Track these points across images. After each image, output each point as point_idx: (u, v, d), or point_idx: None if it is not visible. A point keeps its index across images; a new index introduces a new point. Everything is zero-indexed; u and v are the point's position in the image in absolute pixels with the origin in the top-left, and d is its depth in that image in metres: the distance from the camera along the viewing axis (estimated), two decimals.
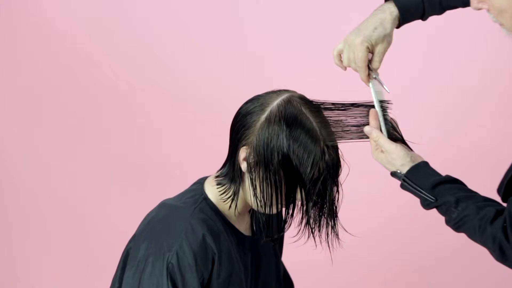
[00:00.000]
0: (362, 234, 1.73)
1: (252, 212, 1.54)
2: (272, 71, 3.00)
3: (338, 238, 1.47)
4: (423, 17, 1.61)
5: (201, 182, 1.54)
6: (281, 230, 1.47)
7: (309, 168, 1.39)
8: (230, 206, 1.48)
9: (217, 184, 1.48)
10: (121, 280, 1.46)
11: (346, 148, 1.48)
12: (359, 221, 1.60)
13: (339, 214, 1.48)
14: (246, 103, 1.46)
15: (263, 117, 1.41)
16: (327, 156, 1.40)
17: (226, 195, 1.47)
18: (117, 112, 3.15)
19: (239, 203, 1.49)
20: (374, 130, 1.48)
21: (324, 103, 1.47)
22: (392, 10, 1.55)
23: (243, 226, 1.55)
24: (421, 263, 2.95)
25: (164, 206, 1.49)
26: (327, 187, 1.42)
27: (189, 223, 1.42)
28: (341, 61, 1.55)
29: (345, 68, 1.56)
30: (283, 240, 1.71)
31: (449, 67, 2.82)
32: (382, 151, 1.48)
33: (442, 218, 2.88)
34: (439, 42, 2.61)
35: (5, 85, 3.16)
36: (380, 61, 1.53)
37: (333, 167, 1.42)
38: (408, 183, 1.45)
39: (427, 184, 1.43)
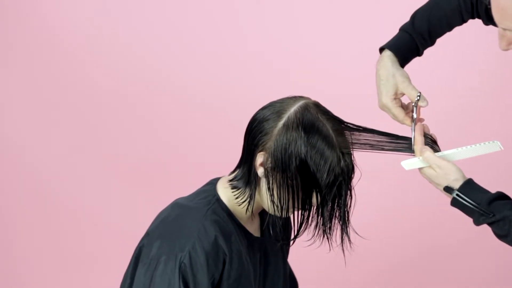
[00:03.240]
0: (366, 236, 1.77)
1: (269, 216, 1.56)
2: (280, 74, 3.03)
3: (350, 241, 1.49)
4: (419, 53, 1.68)
5: (213, 183, 1.56)
6: (297, 234, 1.49)
7: (325, 174, 1.41)
8: (247, 210, 1.50)
9: (232, 188, 1.50)
10: (132, 276, 1.48)
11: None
12: (362, 223, 1.64)
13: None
14: (262, 109, 1.47)
15: (280, 123, 1.43)
16: (342, 163, 1.43)
17: (242, 199, 1.49)
18: (121, 113, 3.16)
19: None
20: (426, 152, 1.50)
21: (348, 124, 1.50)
22: (388, 54, 1.62)
23: (253, 228, 1.58)
24: (423, 262, 2.99)
25: (177, 206, 1.51)
26: (341, 192, 1.45)
27: (202, 224, 1.45)
28: (404, 118, 1.59)
29: (409, 122, 1.58)
30: (290, 241, 1.72)
31: (448, 70, 2.84)
32: (431, 167, 1.49)
33: (443, 218, 2.90)
34: (437, 44, 2.62)
35: (10, 85, 3.17)
36: (413, 88, 1.57)
37: (348, 173, 1.44)
38: (462, 198, 1.45)
39: (484, 199, 1.44)
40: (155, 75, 3.13)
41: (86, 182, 3.17)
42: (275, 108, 1.45)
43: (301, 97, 1.47)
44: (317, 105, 1.46)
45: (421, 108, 1.57)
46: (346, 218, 1.48)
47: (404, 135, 1.55)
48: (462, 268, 2.96)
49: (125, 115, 3.16)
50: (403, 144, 1.54)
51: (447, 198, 1.52)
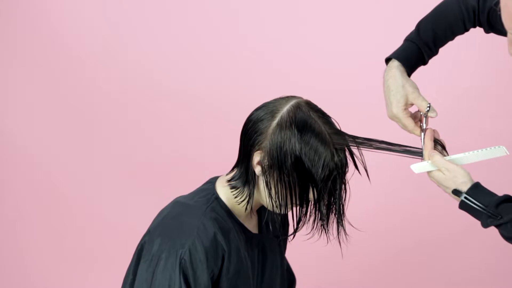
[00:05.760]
0: (363, 229, 1.79)
1: (267, 213, 1.61)
2: (279, 74, 3.05)
3: (346, 232, 1.53)
4: (425, 62, 1.70)
5: (212, 181, 1.60)
6: (296, 228, 1.53)
7: (320, 169, 1.45)
8: (246, 208, 1.54)
9: (231, 188, 1.54)
10: (135, 272, 1.52)
11: None
12: (356, 219, 1.67)
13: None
14: (256, 110, 1.51)
15: (274, 122, 1.47)
16: (336, 158, 1.47)
17: (241, 198, 1.54)
18: (123, 113, 3.18)
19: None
20: (435, 156, 1.53)
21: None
22: (396, 65, 1.64)
23: (251, 224, 1.62)
24: (417, 257, 3.01)
25: (178, 204, 1.55)
26: (336, 186, 1.49)
27: (201, 222, 1.48)
28: (413, 128, 1.62)
29: (418, 132, 1.61)
30: (287, 238, 1.77)
31: (440, 72, 2.82)
32: (440, 170, 1.52)
33: (438, 214, 2.89)
34: None
35: (15, 86, 3.18)
36: (423, 99, 1.59)
37: (342, 167, 1.48)
38: (470, 201, 1.47)
39: (491, 201, 1.46)
40: (156, 76, 3.15)
41: (87, 182, 3.19)
42: (269, 108, 1.49)
43: (293, 97, 1.51)
44: (308, 104, 1.50)
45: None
46: (342, 211, 1.51)
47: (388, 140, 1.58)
48: (456, 262, 3.00)
49: (127, 115, 3.18)
50: (395, 148, 1.57)
51: (442, 196, 1.56)
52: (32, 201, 3.20)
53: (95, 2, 3.18)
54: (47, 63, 3.16)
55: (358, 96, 2.94)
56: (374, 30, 3.00)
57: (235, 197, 1.54)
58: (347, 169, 1.50)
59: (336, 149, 1.47)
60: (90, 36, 3.16)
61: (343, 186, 1.50)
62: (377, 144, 1.55)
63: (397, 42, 1.73)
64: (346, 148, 1.49)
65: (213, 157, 2.98)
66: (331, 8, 3.07)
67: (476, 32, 1.80)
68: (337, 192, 1.49)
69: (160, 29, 3.15)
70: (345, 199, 1.52)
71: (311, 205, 1.52)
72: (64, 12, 3.16)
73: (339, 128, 1.51)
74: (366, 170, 1.53)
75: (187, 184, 1.80)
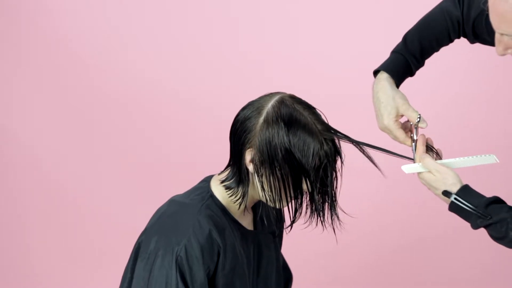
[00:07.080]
0: (357, 231, 1.81)
1: (261, 209, 1.64)
2: (270, 73, 3.07)
3: (339, 219, 1.56)
4: (412, 73, 1.73)
5: (207, 180, 1.62)
6: (293, 220, 1.56)
7: (310, 158, 1.48)
8: (239, 207, 1.57)
9: (226, 189, 1.57)
10: (132, 271, 1.55)
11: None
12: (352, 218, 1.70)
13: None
14: (242, 109, 1.54)
15: (261, 119, 1.50)
16: (325, 146, 1.49)
17: (235, 197, 1.56)
18: (125, 116, 3.20)
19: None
20: (426, 158, 1.56)
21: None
22: (385, 77, 1.67)
23: (246, 221, 1.64)
24: (413, 255, 3.05)
25: (174, 203, 1.58)
26: (328, 174, 1.51)
27: (197, 219, 1.51)
28: (405, 139, 1.64)
29: (410, 142, 1.64)
30: (283, 233, 1.80)
31: (429, 80, 2.85)
32: (430, 172, 1.55)
33: (433, 212, 2.89)
34: None
35: (15, 86, 3.21)
36: (413, 110, 1.62)
37: (332, 155, 1.51)
38: (460, 201, 1.50)
39: (481, 202, 1.48)
40: (156, 76, 3.16)
41: (87, 181, 3.21)
42: (254, 106, 1.52)
43: (277, 93, 1.54)
44: (292, 97, 1.53)
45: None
46: (334, 198, 1.54)
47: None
48: (452, 262, 3.03)
49: (127, 115, 3.20)
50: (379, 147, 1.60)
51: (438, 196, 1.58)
52: (32, 201, 3.22)
53: (95, 2, 3.20)
54: (47, 63, 3.19)
55: (361, 98, 2.97)
56: (375, 31, 3.02)
57: (230, 197, 1.57)
58: (337, 157, 1.53)
59: (324, 138, 1.50)
60: (90, 36, 3.18)
61: (334, 173, 1.53)
62: (360, 142, 1.57)
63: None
64: (334, 137, 1.52)
65: (212, 157, 2.97)
66: (332, 10, 3.10)
67: (465, 41, 1.82)
68: (328, 179, 1.51)
69: (160, 29, 3.16)
70: (336, 187, 1.54)
71: (305, 196, 1.54)
72: (64, 12, 3.18)
73: (324, 119, 1.54)
74: (341, 161, 1.55)
75: (187, 184, 1.79)
